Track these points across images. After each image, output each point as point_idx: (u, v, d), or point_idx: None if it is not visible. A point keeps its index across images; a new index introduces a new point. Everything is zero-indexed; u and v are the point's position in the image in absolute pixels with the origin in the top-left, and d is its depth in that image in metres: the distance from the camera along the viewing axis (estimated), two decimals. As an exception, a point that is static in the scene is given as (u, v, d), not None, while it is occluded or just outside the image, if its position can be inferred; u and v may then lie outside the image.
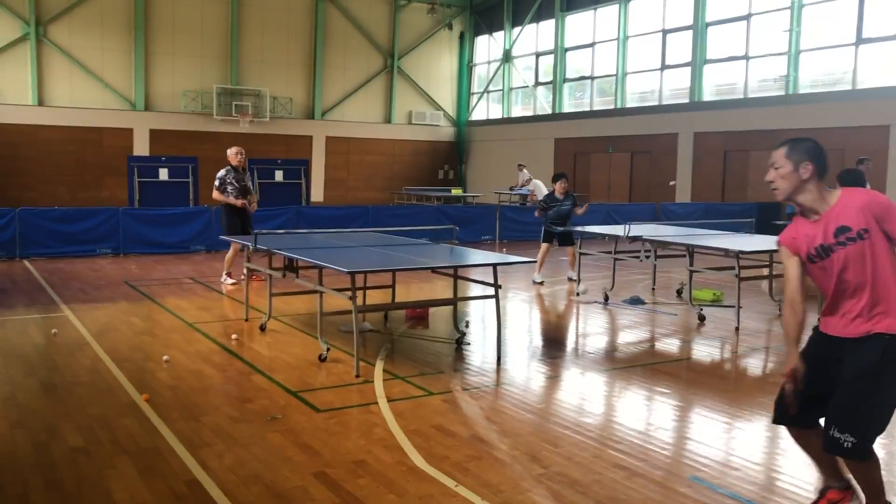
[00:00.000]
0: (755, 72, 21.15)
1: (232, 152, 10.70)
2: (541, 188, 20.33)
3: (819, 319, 3.55)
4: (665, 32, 23.63)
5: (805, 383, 3.38)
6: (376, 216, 16.46)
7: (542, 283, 11.28)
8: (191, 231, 14.63)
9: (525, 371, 6.67)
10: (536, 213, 11.66)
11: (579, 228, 11.23)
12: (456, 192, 26.98)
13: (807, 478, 4.36)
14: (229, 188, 10.49)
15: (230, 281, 10.67)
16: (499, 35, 30.54)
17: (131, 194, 17.61)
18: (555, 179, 11.47)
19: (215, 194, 10.54)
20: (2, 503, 3.88)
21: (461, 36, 31.84)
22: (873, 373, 3.25)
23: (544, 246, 11.43)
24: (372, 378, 6.14)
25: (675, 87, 23.50)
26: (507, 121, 30.36)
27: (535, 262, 11.11)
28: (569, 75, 27.69)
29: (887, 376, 3.26)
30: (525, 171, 24.68)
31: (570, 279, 11.53)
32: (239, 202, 10.46)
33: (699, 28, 22.31)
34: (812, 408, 3.46)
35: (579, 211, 11.46)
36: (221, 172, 10.56)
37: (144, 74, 25.98)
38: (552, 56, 27.91)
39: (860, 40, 18.38)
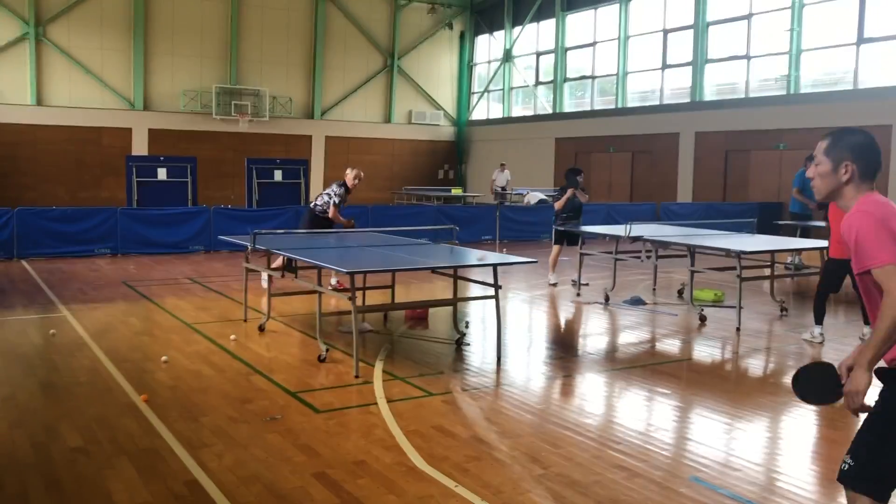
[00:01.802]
0: (756, 71, 21.14)
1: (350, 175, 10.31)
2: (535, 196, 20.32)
3: None
4: (666, 32, 23.62)
5: None
6: (376, 216, 16.44)
7: (555, 285, 11.21)
8: (189, 231, 14.62)
9: (525, 371, 6.65)
10: (558, 205, 11.42)
11: (581, 229, 11.19)
12: (456, 191, 26.99)
13: (807, 478, 4.35)
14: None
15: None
16: (499, 34, 30.53)
17: (130, 194, 17.58)
18: (574, 174, 11.47)
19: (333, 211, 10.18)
20: (2, 503, 3.87)
21: (461, 35, 31.82)
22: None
23: (556, 248, 11.36)
24: (371, 378, 6.12)
25: (676, 86, 23.50)
26: (508, 120, 30.35)
27: (535, 261, 11.06)
28: (569, 75, 27.68)
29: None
30: (507, 170, 24.32)
31: (572, 281, 11.35)
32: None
33: (700, 27, 22.30)
34: None
35: (585, 197, 11.45)
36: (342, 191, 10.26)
37: (144, 74, 25.97)
38: (553, 55, 27.90)
39: (861, 40, 18.36)
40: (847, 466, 2.85)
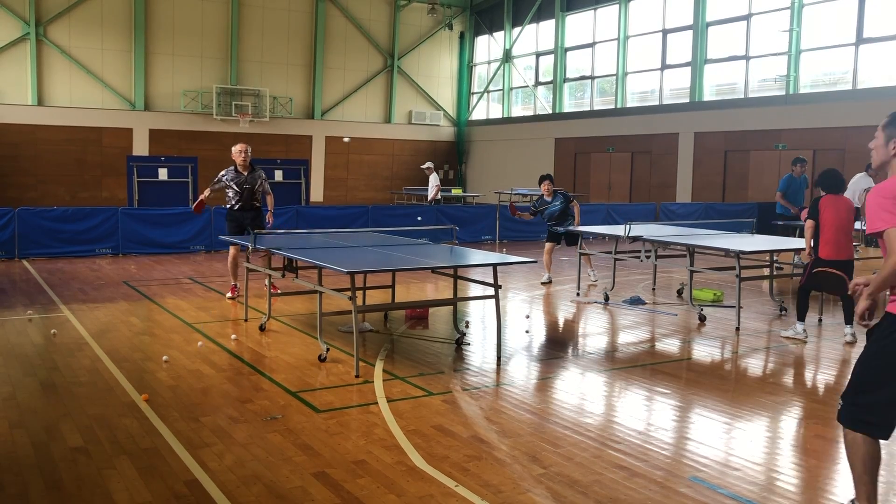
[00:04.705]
0: (755, 72, 21.15)
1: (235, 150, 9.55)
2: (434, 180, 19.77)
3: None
4: (665, 32, 23.63)
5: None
6: (376, 216, 16.45)
7: (549, 283, 11.26)
8: (190, 231, 14.63)
9: (525, 371, 6.66)
10: (528, 216, 11.65)
11: (581, 229, 11.19)
12: (456, 191, 26.96)
13: (806, 478, 4.36)
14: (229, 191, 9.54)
15: (228, 295, 9.76)
16: (499, 35, 30.54)
17: (131, 194, 17.61)
18: (540, 182, 11.48)
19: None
20: (2, 503, 3.88)
21: (461, 36, 31.84)
22: (869, 344, 3.43)
23: (547, 245, 11.46)
24: (372, 378, 6.13)
25: (675, 86, 23.51)
26: (507, 121, 30.36)
27: (535, 262, 11.10)
28: (569, 75, 27.69)
29: (871, 348, 3.42)
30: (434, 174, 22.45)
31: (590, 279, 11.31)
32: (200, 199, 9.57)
33: (699, 28, 22.32)
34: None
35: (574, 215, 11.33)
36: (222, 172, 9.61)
37: (144, 74, 25.98)
38: (552, 56, 27.92)
39: (860, 40, 18.38)
40: (840, 406, 3.44)
